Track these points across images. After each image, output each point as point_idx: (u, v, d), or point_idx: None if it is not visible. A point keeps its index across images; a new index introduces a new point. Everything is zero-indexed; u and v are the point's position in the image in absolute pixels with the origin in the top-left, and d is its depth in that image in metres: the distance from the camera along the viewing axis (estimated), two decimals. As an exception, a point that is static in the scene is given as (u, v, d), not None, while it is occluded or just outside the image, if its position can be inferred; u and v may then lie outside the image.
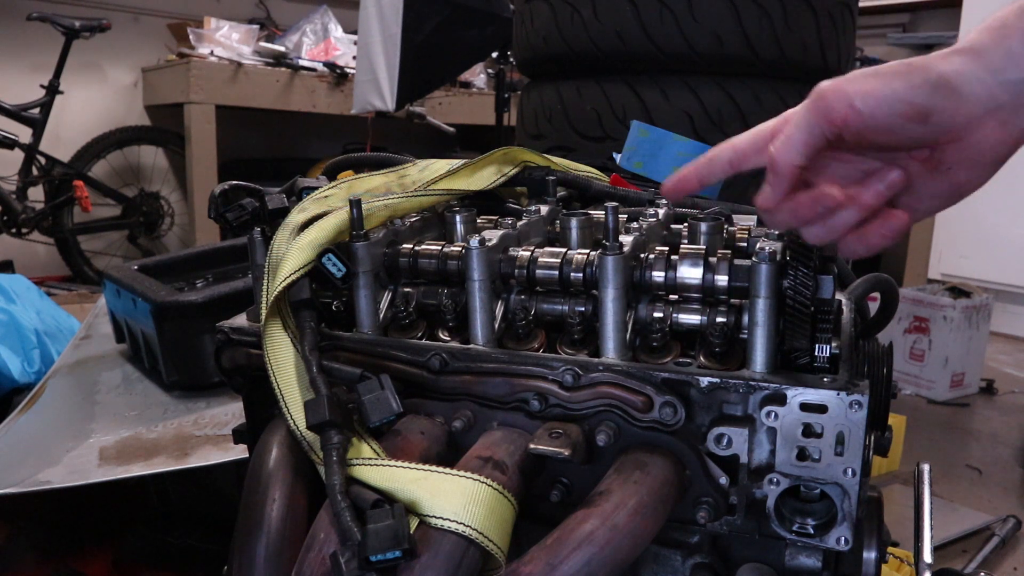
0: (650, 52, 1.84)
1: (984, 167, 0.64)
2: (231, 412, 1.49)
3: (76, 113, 4.44)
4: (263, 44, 4.41)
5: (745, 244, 0.87)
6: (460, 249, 0.81)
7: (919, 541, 0.80)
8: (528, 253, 0.79)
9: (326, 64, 4.46)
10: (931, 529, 0.81)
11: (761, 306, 0.67)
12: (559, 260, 0.78)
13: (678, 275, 0.74)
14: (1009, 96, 0.60)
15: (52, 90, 4.06)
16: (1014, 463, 2.49)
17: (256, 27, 4.50)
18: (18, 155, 4.02)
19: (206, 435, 1.40)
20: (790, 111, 0.65)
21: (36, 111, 4.03)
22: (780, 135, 0.64)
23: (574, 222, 0.86)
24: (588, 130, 1.95)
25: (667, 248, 0.79)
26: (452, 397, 0.76)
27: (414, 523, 0.60)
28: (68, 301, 3.04)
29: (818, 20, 1.89)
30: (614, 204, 0.73)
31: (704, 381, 0.68)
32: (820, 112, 0.61)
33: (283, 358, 0.73)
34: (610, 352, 0.72)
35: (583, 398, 0.71)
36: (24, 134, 4.01)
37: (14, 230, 4.03)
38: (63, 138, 4.31)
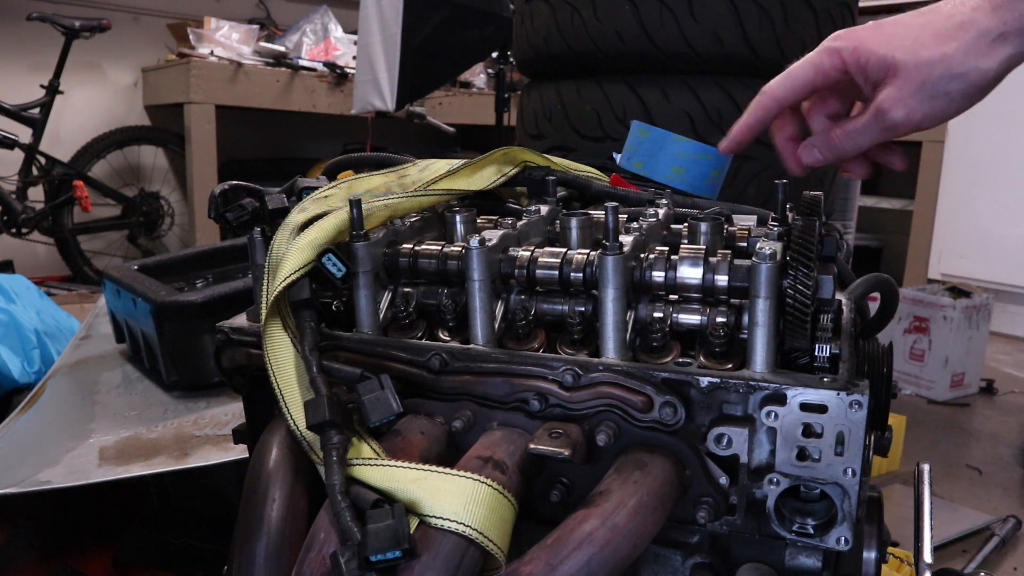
0: (650, 52, 1.84)
1: None
2: (231, 412, 1.49)
3: (76, 113, 4.45)
4: (263, 44, 4.41)
5: (745, 244, 0.87)
6: (460, 249, 0.81)
7: (919, 541, 0.80)
8: (528, 253, 0.79)
9: (326, 64, 4.46)
10: (931, 529, 0.81)
11: (761, 306, 0.67)
12: (559, 260, 0.78)
13: (678, 275, 0.74)
14: None
15: (52, 90, 4.06)
16: (1014, 463, 2.49)
17: (256, 27, 4.50)
18: (18, 155, 4.02)
19: (206, 435, 1.40)
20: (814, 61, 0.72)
21: (36, 111, 4.03)
22: (843, 131, 0.73)
23: (574, 222, 0.86)
24: (588, 130, 1.95)
25: (667, 248, 0.79)
26: (452, 397, 0.76)
27: (414, 523, 0.60)
28: (68, 301, 3.04)
29: (818, 20, 1.89)
30: (614, 204, 0.73)
31: (704, 381, 0.68)
32: (885, 128, 0.69)
33: (283, 358, 0.73)
34: (610, 352, 0.72)
35: (583, 398, 0.71)
36: (24, 134, 4.01)
37: (14, 230, 4.03)
38: (63, 138, 4.31)
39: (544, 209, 0.93)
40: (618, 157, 1.56)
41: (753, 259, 0.67)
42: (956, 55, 0.64)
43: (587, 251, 0.78)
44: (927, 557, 0.78)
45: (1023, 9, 0.63)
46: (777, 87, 0.73)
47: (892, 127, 0.68)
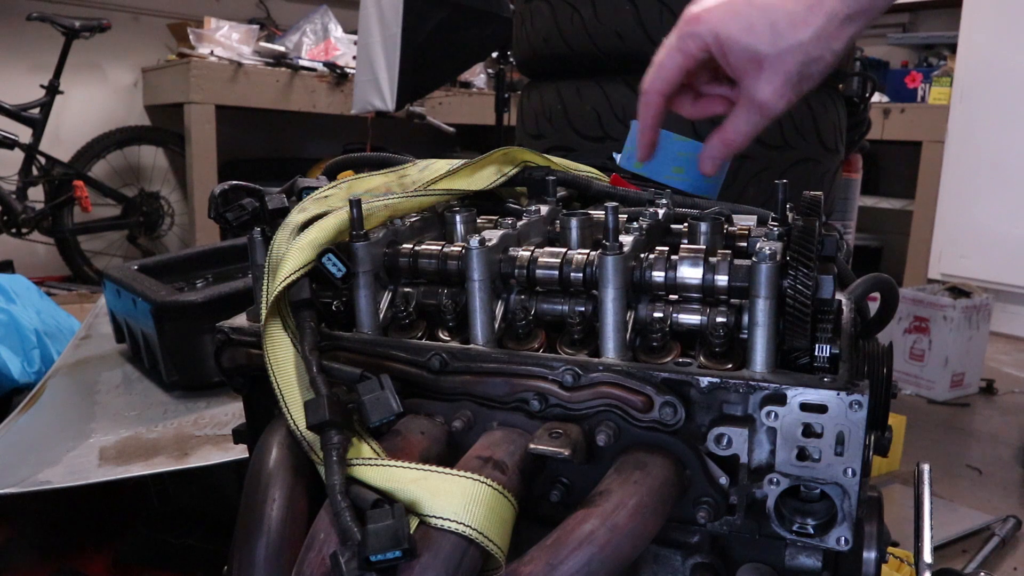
0: (650, 52, 1.83)
1: None
2: (231, 412, 1.49)
3: (76, 113, 4.44)
4: (263, 44, 4.41)
5: (745, 244, 0.87)
6: (460, 249, 0.81)
7: (919, 541, 0.80)
8: (528, 253, 0.79)
9: (326, 64, 4.46)
10: (931, 529, 0.80)
11: (761, 306, 0.67)
12: (559, 260, 0.78)
13: (678, 275, 0.74)
14: None
15: (52, 90, 4.06)
16: (1014, 463, 2.49)
17: (256, 27, 4.50)
18: (18, 155, 4.02)
19: (206, 435, 1.40)
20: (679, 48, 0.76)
21: (36, 111, 4.03)
22: (732, 129, 0.78)
23: (574, 222, 0.86)
24: (588, 130, 1.95)
25: (667, 248, 0.79)
26: (452, 397, 0.76)
27: (414, 523, 0.60)
28: (68, 301, 3.05)
29: (818, 20, 1.89)
30: (614, 204, 0.73)
31: (704, 381, 0.68)
32: (768, 116, 0.75)
33: (283, 358, 0.73)
34: (610, 352, 0.72)
35: (583, 398, 0.71)
36: (24, 134, 4.01)
37: (14, 230, 4.03)
38: (63, 138, 4.31)
39: (544, 209, 0.93)
40: (618, 157, 1.56)
41: (753, 259, 0.67)
42: (811, 42, 0.68)
43: (587, 251, 0.78)
44: (927, 557, 0.78)
45: None
46: (656, 82, 0.76)
47: (773, 114, 0.73)
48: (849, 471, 0.65)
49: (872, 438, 0.75)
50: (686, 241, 0.86)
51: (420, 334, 0.81)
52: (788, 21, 0.68)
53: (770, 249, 0.67)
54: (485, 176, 1.01)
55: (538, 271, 0.78)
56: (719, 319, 0.73)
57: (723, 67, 0.73)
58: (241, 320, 0.87)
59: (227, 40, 4.28)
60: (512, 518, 0.64)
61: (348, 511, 0.59)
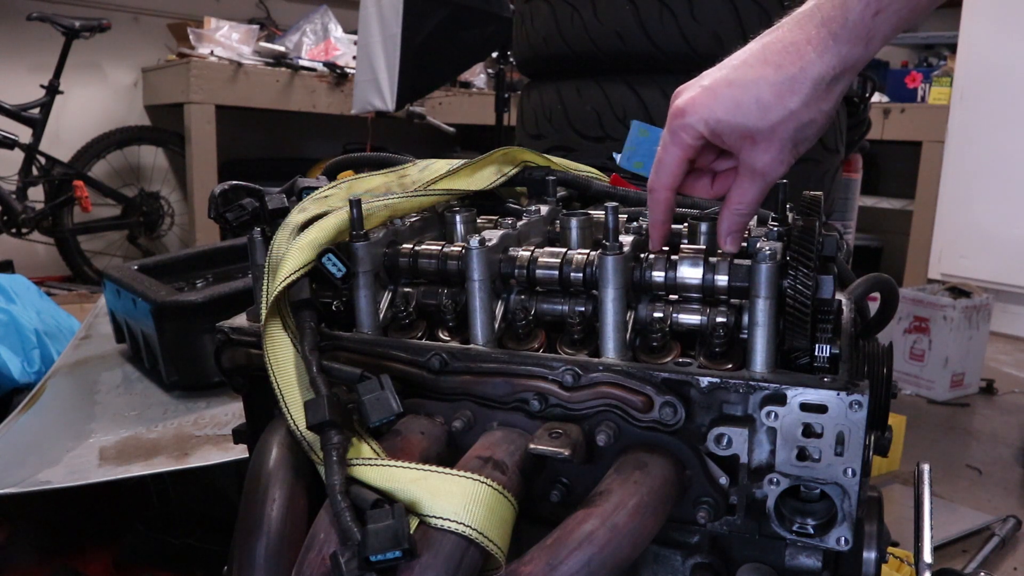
0: (650, 52, 1.84)
1: None
2: (231, 412, 1.49)
3: (76, 113, 4.44)
4: (263, 44, 4.40)
5: (745, 244, 0.87)
6: (460, 249, 0.81)
7: (919, 541, 0.80)
8: (528, 253, 0.79)
9: (326, 64, 4.46)
10: (931, 529, 0.80)
11: (761, 306, 0.67)
12: (559, 260, 0.78)
13: (678, 275, 0.74)
14: None
15: (52, 90, 4.06)
16: (1014, 463, 2.49)
17: (256, 27, 4.50)
18: (18, 155, 4.02)
19: (206, 435, 1.40)
20: (677, 142, 0.75)
21: (36, 111, 4.03)
22: (738, 202, 0.76)
23: (574, 222, 0.86)
24: (588, 130, 1.95)
25: (667, 248, 0.79)
26: (452, 397, 0.76)
27: (414, 523, 0.60)
28: (68, 301, 3.05)
29: (818, 20, 1.89)
30: (614, 204, 0.73)
31: (704, 381, 0.68)
32: (769, 183, 0.74)
33: (283, 358, 0.73)
34: (610, 352, 0.72)
35: (583, 398, 0.71)
36: (24, 134, 4.00)
37: (14, 230, 4.02)
38: (63, 138, 4.31)
39: (544, 209, 0.93)
40: (618, 157, 1.57)
41: (753, 259, 0.67)
42: (801, 109, 0.69)
43: (587, 251, 0.78)
44: (927, 557, 0.78)
45: (844, 51, 0.67)
46: (661, 179, 0.76)
47: (774, 178, 0.74)
48: (849, 471, 0.65)
49: (872, 438, 0.75)
50: (686, 241, 0.86)
51: (420, 334, 0.81)
52: (774, 93, 0.69)
53: (770, 249, 0.67)
54: (485, 176, 1.01)
55: (538, 271, 0.78)
56: (719, 319, 0.73)
57: (717, 144, 0.75)
58: (241, 320, 0.87)
59: (227, 40, 4.28)
60: (512, 518, 0.64)
61: (348, 511, 0.60)
